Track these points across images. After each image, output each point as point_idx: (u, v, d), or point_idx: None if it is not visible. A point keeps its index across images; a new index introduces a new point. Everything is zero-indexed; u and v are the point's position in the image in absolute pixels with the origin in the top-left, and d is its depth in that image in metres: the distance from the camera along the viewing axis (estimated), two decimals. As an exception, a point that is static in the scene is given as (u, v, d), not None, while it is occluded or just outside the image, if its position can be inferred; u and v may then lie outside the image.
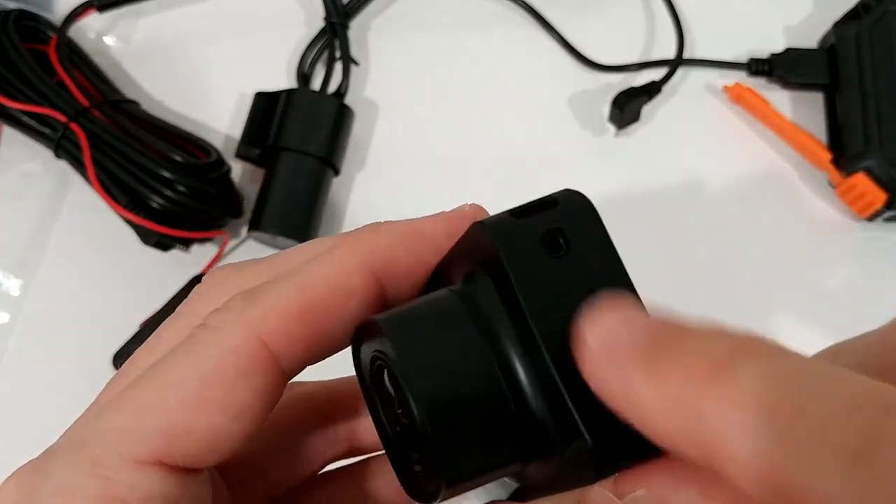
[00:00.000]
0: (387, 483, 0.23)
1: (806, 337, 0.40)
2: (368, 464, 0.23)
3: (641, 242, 0.42)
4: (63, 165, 0.40)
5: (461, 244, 0.19)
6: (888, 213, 0.40)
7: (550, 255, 0.17)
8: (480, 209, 0.19)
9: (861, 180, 0.40)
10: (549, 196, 0.18)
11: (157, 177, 0.37)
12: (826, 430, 0.12)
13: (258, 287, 0.17)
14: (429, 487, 0.17)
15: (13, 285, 0.40)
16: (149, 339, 0.19)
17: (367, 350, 0.18)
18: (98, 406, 0.17)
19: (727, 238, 0.42)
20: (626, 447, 0.15)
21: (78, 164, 0.38)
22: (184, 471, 0.16)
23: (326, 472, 0.23)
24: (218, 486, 0.19)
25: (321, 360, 0.18)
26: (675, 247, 0.42)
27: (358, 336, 0.18)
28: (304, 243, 0.20)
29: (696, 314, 0.23)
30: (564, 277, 0.16)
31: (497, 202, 0.46)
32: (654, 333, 0.15)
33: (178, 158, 0.37)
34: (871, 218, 0.41)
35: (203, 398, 0.16)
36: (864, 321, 0.43)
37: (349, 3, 0.44)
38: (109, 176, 0.37)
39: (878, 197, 0.39)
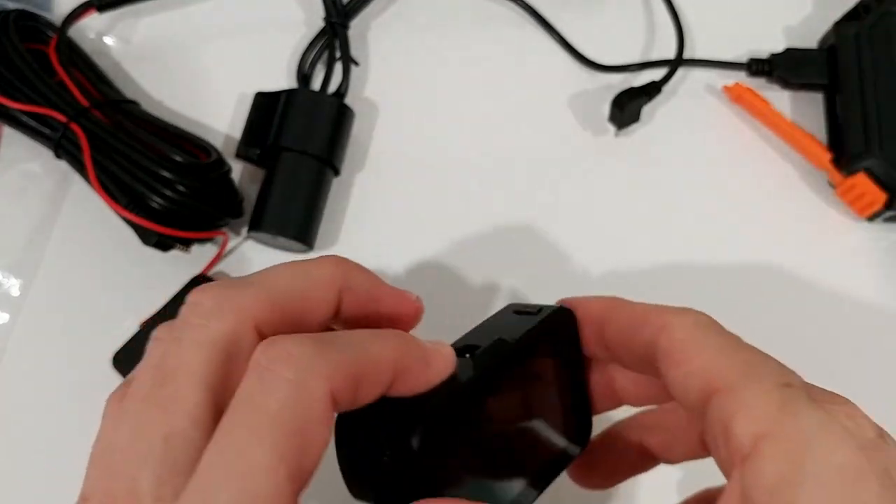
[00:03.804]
0: None
1: (806, 336, 0.40)
2: None
3: (640, 242, 0.42)
4: (63, 165, 0.40)
5: None
6: (888, 213, 0.40)
7: None
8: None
9: (861, 180, 0.40)
10: None
11: (157, 177, 0.37)
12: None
13: (327, 340, 0.20)
14: None
15: (13, 285, 0.40)
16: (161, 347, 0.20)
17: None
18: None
19: (726, 238, 0.42)
20: None
21: (78, 164, 0.38)
22: None
23: None
24: None
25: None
26: (674, 246, 0.42)
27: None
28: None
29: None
30: None
31: (497, 202, 0.46)
32: None
33: (178, 158, 0.37)
34: (871, 218, 0.41)
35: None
36: (864, 321, 0.43)
37: (349, 3, 0.44)
38: (109, 176, 0.37)
39: (878, 197, 0.39)
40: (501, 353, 0.23)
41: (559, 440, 0.27)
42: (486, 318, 0.27)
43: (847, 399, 0.21)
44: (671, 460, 0.27)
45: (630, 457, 0.28)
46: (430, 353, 0.22)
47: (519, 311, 0.26)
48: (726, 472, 0.21)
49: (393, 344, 0.21)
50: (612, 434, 0.29)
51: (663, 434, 0.27)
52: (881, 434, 0.20)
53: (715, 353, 0.22)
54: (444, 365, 0.22)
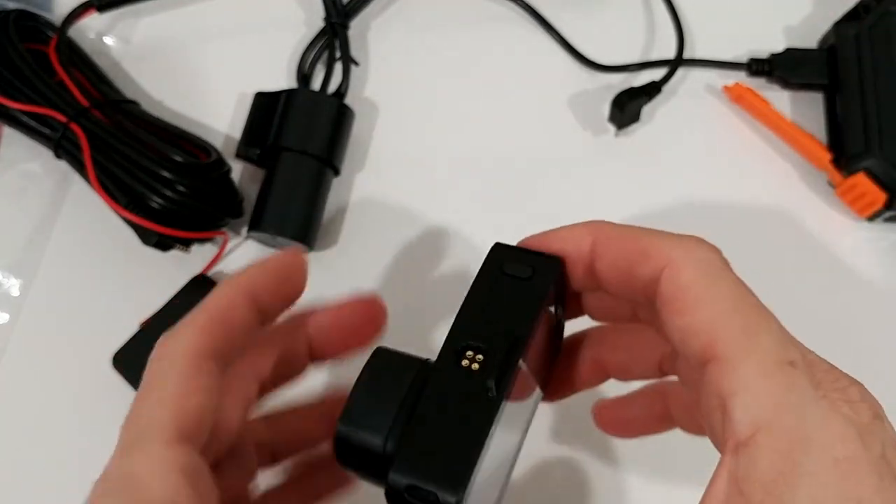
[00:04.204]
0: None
1: (805, 337, 0.40)
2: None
3: (641, 242, 0.42)
4: (63, 165, 0.40)
5: None
6: (888, 213, 0.40)
7: None
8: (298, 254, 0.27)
9: (861, 180, 0.40)
10: None
11: (157, 177, 0.37)
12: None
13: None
14: None
15: (13, 285, 0.40)
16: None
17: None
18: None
19: (726, 238, 0.42)
20: None
21: (78, 165, 0.38)
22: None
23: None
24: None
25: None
26: (675, 247, 0.42)
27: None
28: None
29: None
30: None
31: (497, 202, 0.46)
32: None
33: (178, 158, 0.37)
34: (871, 218, 0.41)
35: None
36: (863, 321, 0.43)
37: (349, 3, 0.44)
38: (109, 176, 0.37)
39: (878, 197, 0.39)
40: (515, 357, 0.22)
41: (542, 377, 0.26)
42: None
43: (848, 380, 0.21)
44: (624, 378, 0.27)
45: (583, 371, 0.28)
46: (272, 260, 0.25)
47: (510, 273, 0.24)
48: (719, 445, 0.21)
49: (236, 279, 0.24)
50: (566, 346, 0.28)
51: (621, 353, 0.27)
52: (877, 413, 0.20)
53: (719, 309, 0.21)
54: (291, 258, 0.26)
